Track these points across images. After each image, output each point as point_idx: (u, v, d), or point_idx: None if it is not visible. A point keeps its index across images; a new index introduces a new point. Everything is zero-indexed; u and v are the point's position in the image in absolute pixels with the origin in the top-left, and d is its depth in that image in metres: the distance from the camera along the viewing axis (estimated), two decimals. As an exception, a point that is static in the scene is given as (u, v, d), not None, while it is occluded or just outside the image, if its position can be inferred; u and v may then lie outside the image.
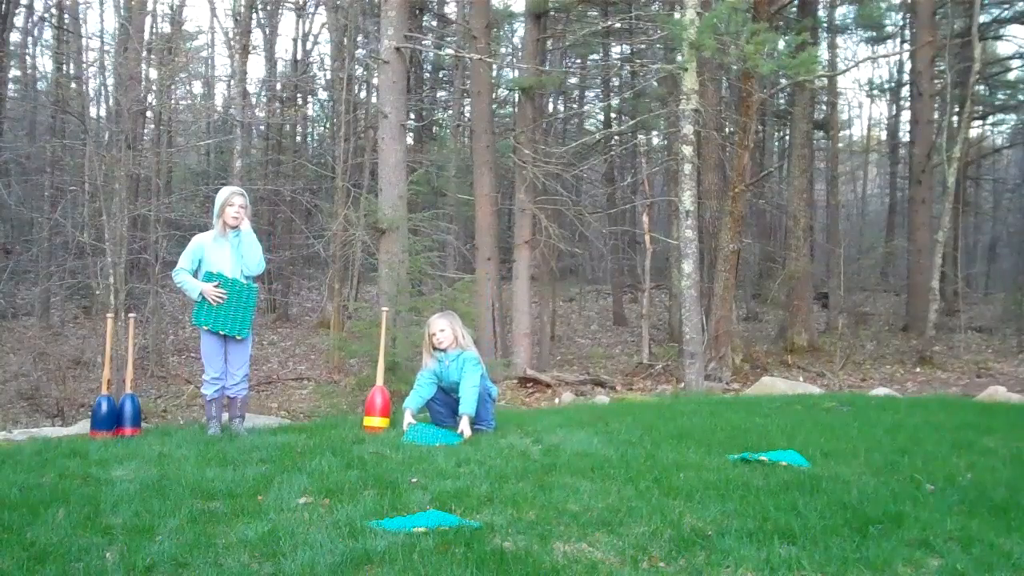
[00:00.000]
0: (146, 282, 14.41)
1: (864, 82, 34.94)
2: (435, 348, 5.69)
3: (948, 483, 4.25)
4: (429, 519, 3.46)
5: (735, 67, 13.13)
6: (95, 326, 14.20)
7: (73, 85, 18.76)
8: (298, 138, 25.37)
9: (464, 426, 5.42)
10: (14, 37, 19.80)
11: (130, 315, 6.80)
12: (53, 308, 17.58)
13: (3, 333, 15.56)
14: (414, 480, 4.18)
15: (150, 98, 16.33)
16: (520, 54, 18.25)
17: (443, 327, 5.67)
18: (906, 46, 24.45)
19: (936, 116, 19.97)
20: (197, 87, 26.12)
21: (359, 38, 19.79)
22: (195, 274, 5.60)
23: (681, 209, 11.63)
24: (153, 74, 16.44)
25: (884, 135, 32.48)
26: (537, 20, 14.71)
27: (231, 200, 5.56)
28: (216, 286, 5.51)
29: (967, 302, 19.99)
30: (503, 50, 22.21)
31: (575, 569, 3.00)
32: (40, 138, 18.91)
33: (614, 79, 22.73)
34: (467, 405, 5.47)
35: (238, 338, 5.59)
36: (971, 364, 15.02)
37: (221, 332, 5.53)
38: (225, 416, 5.87)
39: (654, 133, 23.54)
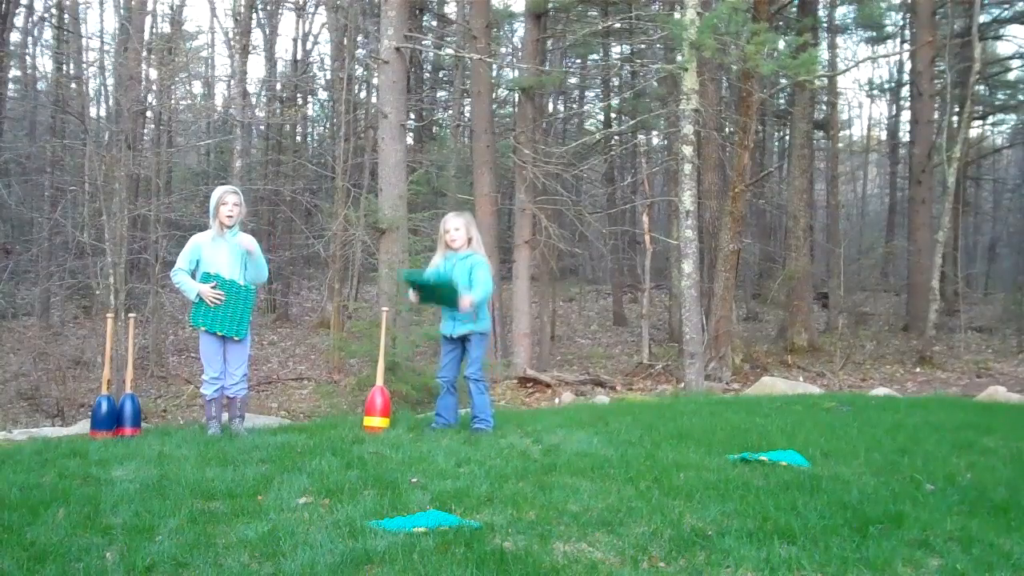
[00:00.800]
0: (146, 282, 14.41)
1: (864, 82, 34.94)
2: (447, 246, 5.75)
3: (948, 483, 4.25)
4: (429, 519, 3.46)
5: (735, 67, 13.13)
6: (95, 326, 14.20)
7: (73, 85, 18.75)
8: (298, 138, 25.36)
9: (466, 299, 5.47)
10: (14, 37, 19.79)
11: (130, 315, 6.80)
12: (53, 308, 17.58)
13: (3, 333, 15.56)
14: (414, 480, 4.17)
15: (150, 98, 16.34)
16: (520, 54, 18.24)
17: (458, 226, 5.73)
18: (906, 46, 24.45)
19: (936, 116, 19.97)
20: (197, 87, 26.14)
21: (359, 38, 19.78)
22: (193, 274, 5.61)
23: (681, 209, 11.62)
24: (153, 74, 16.44)
25: (884, 135, 32.50)
26: (537, 20, 14.70)
27: (224, 199, 5.56)
28: (213, 287, 5.51)
29: (967, 302, 19.98)
30: (503, 50, 22.19)
31: (575, 569, 3.00)
32: (40, 138, 18.90)
33: (614, 79, 22.73)
34: (475, 293, 5.53)
35: (236, 339, 5.60)
36: (971, 364, 15.02)
37: (219, 333, 5.54)
38: (225, 416, 5.87)
39: (654, 133, 23.55)
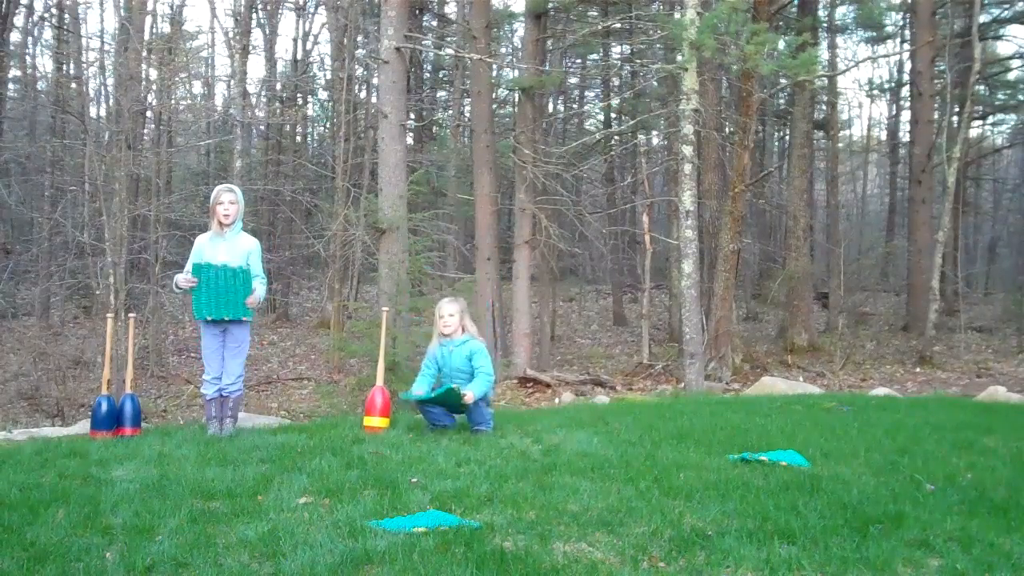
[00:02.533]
0: (146, 282, 14.40)
1: (864, 82, 34.91)
2: (441, 332, 5.75)
3: (948, 483, 4.25)
4: (429, 519, 3.46)
5: (735, 67, 13.12)
6: (95, 326, 14.20)
7: (73, 85, 18.74)
8: (298, 138, 25.36)
9: (468, 395, 5.46)
10: (14, 37, 19.80)
11: (130, 315, 6.80)
12: (53, 308, 17.57)
13: (3, 333, 15.56)
14: (414, 480, 4.18)
15: (150, 98, 16.32)
16: (520, 54, 18.25)
17: (452, 312, 5.72)
18: (906, 46, 24.46)
19: (936, 116, 19.97)
20: (197, 87, 26.12)
21: (359, 38, 19.79)
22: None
23: (681, 209, 11.63)
24: (153, 74, 16.43)
25: (884, 135, 32.50)
26: (537, 20, 14.70)
27: (220, 198, 5.61)
28: (187, 276, 5.50)
29: (967, 302, 19.99)
30: (503, 50, 22.22)
31: (575, 569, 3.00)
32: (40, 138, 18.90)
33: (614, 79, 22.73)
34: (476, 389, 5.52)
35: (244, 319, 5.56)
36: (971, 364, 15.02)
37: (226, 318, 5.50)
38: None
39: (654, 133, 23.54)
